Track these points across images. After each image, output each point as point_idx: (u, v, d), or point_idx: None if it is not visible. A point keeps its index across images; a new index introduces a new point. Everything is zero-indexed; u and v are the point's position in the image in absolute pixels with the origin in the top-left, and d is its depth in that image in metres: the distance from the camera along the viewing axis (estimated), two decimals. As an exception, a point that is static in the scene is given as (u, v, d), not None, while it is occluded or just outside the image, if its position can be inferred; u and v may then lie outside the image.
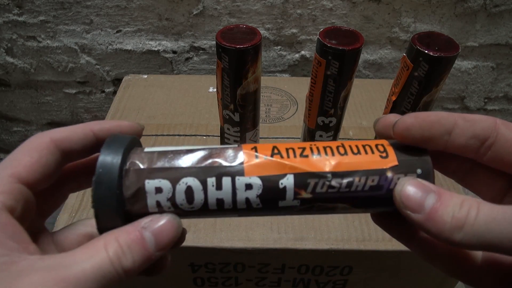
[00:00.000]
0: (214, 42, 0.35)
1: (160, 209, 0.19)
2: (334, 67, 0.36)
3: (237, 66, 0.35)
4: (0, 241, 0.16)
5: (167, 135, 0.52)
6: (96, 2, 0.64)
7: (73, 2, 0.64)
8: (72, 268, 0.16)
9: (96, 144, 0.21)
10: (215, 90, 0.60)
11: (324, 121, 0.42)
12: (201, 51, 0.70)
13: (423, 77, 0.35)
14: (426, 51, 0.34)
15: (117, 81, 0.75)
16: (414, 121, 0.18)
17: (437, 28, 0.65)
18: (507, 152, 0.18)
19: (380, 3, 0.63)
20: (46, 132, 0.20)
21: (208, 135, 0.52)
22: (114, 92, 0.76)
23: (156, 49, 0.70)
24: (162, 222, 0.18)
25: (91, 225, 0.22)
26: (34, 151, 0.19)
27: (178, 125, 0.54)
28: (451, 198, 0.17)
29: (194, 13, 0.65)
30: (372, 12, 0.64)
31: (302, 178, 0.18)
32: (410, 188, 0.18)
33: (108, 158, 0.18)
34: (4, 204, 0.17)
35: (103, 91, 0.77)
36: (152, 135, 0.52)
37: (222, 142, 0.44)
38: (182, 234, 0.20)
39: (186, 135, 0.52)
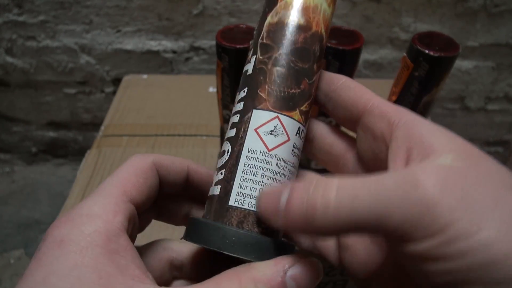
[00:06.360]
0: (214, 42, 0.35)
1: None
2: (334, 67, 0.36)
3: (237, 66, 0.35)
4: (125, 268, 0.15)
5: (167, 135, 0.52)
6: (96, 2, 0.64)
7: (73, 2, 0.64)
8: None
9: (185, 184, 0.20)
10: (215, 90, 0.60)
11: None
12: (201, 51, 0.70)
13: (423, 77, 0.35)
14: (427, 51, 0.34)
15: (117, 81, 0.75)
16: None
17: (437, 28, 0.65)
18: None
19: (380, 3, 0.63)
20: (148, 155, 0.19)
21: (208, 135, 0.52)
22: (114, 92, 0.76)
23: (156, 49, 0.70)
24: (305, 266, 0.16)
25: (171, 249, 0.20)
26: (140, 172, 0.18)
27: (178, 125, 0.54)
28: (302, 184, 0.14)
29: (194, 13, 0.65)
30: (372, 12, 0.64)
31: None
32: (263, 195, 0.16)
33: None
34: (123, 225, 0.16)
35: (103, 91, 0.77)
36: (152, 135, 0.52)
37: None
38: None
39: (186, 135, 0.52)
